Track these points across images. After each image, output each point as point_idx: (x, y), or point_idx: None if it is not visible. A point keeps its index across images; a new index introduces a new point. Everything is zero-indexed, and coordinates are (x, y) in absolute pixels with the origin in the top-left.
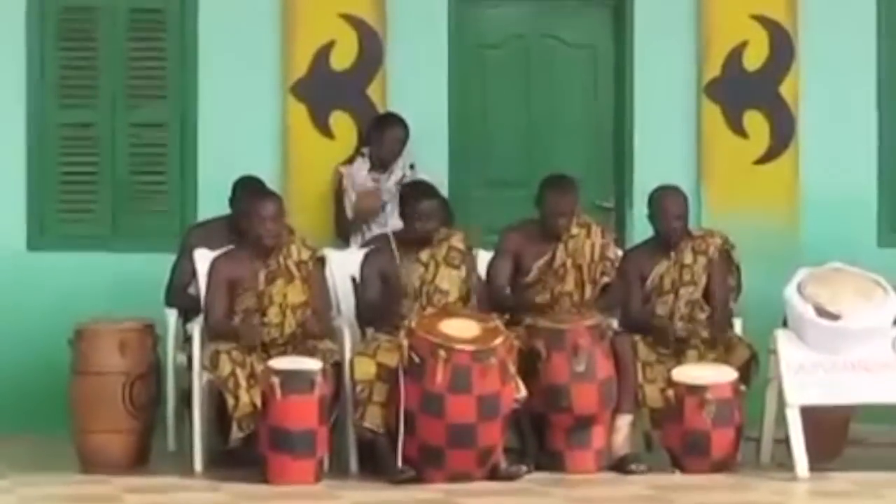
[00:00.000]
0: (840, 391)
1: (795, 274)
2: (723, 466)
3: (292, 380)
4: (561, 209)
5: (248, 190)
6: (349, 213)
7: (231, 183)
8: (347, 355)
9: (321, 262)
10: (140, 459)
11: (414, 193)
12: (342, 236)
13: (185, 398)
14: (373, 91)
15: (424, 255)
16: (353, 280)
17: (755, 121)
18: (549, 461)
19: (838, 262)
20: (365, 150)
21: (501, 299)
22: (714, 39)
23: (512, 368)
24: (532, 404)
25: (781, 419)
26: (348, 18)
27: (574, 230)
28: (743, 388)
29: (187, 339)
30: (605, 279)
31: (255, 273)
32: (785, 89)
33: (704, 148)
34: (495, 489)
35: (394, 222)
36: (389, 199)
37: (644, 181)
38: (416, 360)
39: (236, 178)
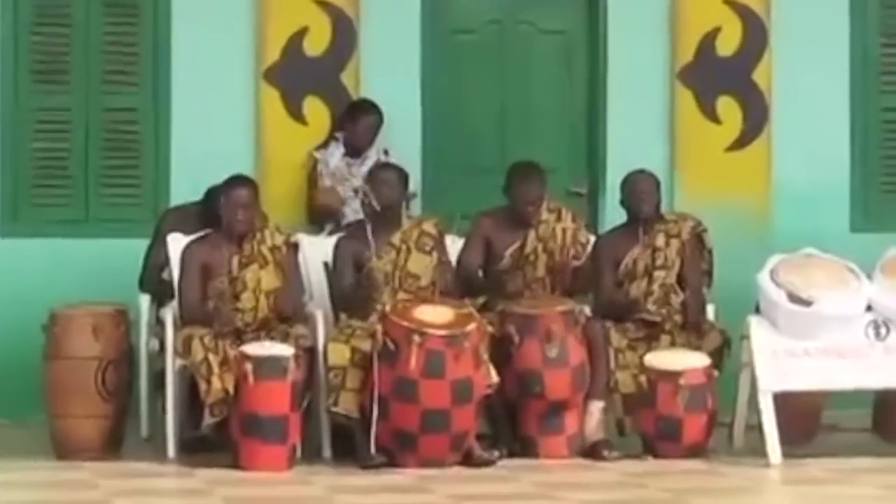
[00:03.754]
0: (813, 377)
1: (768, 260)
2: (695, 452)
3: (265, 365)
4: (529, 198)
5: (224, 182)
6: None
7: (203, 167)
8: (321, 340)
9: (294, 247)
10: (113, 445)
11: (376, 167)
12: (314, 221)
13: (158, 383)
14: (346, 77)
15: (396, 238)
16: (326, 266)
17: (728, 107)
18: (522, 447)
19: (811, 249)
20: (338, 135)
21: (474, 284)
22: (687, 25)
23: (484, 354)
24: (505, 390)
25: (754, 405)
26: (321, 4)
27: (544, 215)
28: (716, 373)
29: (160, 324)
30: (577, 263)
31: (229, 258)
32: (758, 75)
33: (677, 134)
34: (468, 475)
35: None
36: (362, 187)
37: (617, 167)
38: (390, 345)
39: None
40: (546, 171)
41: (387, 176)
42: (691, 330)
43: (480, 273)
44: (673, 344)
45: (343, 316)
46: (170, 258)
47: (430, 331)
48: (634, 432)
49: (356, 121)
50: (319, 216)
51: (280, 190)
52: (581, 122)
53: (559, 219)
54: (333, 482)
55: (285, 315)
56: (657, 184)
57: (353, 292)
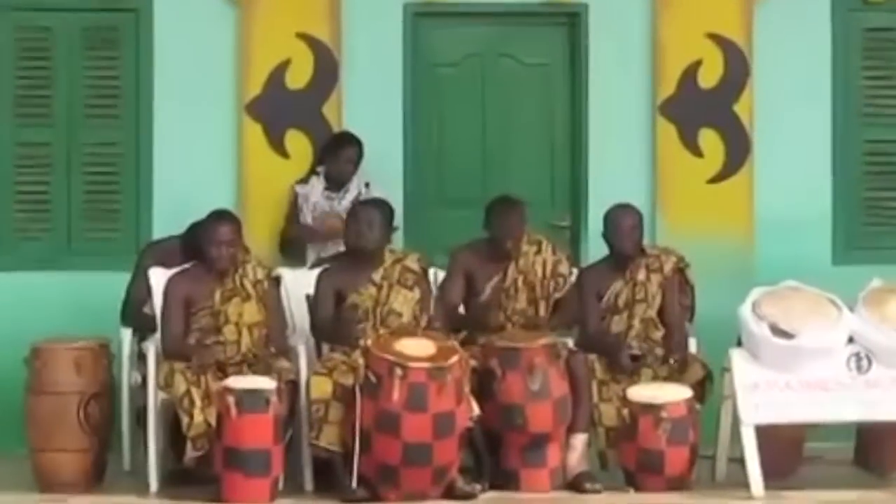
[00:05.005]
0: (795, 410)
1: (750, 293)
2: (678, 485)
3: (247, 399)
4: (508, 232)
5: (207, 218)
6: (308, 231)
7: (185, 201)
8: (303, 374)
9: (277, 281)
10: (96, 478)
11: (359, 204)
12: (287, 253)
13: (140, 417)
14: (328, 110)
15: (378, 276)
16: (308, 297)
17: (710, 139)
18: (504, 480)
19: (793, 281)
20: (320, 168)
21: (455, 319)
22: (669, 58)
23: (467, 387)
24: (487, 423)
25: (736, 438)
26: (304, 37)
27: (524, 248)
28: (698, 406)
29: (142, 358)
30: (558, 295)
31: (212, 292)
32: (740, 108)
33: (659, 166)
34: None
35: None
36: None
37: (599, 200)
38: (373, 378)
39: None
40: (526, 204)
41: (370, 215)
42: (674, 363)
43: (461, 307)
44: (655, 377)
45: (325, 349)
46: (151, 292)
47: (413, 364)
48: (617, 465)
49: (337, 153)
50: (291, 249)
51: (262, 223)
52: (563, 155)
53: (539, 251)
54: None
55: (278, 350)
56: (640, 219)
57: (332, 325)
